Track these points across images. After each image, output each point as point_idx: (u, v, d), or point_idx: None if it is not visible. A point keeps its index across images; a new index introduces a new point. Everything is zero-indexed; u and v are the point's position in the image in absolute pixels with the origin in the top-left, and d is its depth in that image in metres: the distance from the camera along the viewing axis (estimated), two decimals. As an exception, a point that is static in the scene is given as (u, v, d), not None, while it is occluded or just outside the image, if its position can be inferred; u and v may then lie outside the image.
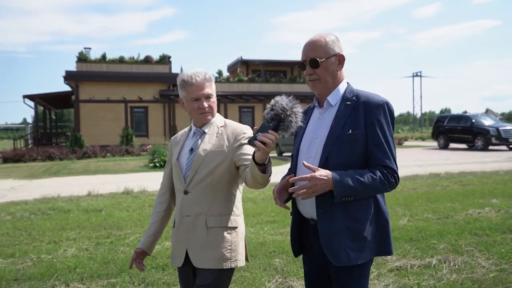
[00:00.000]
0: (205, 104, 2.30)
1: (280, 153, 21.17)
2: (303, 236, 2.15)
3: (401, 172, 9.20)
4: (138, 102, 29.32)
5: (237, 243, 2.30)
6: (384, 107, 1.98)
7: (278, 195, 2.04)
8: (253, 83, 32.51)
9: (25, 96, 29.34)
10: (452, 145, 24.22)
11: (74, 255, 5.03)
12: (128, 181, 11.84)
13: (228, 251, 2.25)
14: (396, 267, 4.25)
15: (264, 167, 1.98)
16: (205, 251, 2.23)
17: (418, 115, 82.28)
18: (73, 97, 28.24)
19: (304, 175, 1.90)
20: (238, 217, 2.34)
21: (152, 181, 11.48)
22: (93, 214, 7.43)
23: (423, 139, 36.46)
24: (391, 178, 1.95)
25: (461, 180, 10.34)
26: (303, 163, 1.91)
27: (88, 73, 28.38)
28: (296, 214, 2.14)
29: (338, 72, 2.07)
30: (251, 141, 1.88)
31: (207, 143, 2.31)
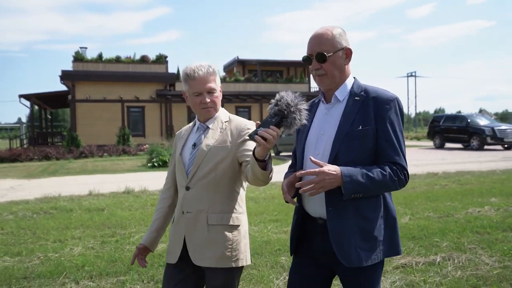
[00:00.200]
0: (207, 99, 2.25)
1: (277, 153, 21.23)
2: (306, 235, 2.08)
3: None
4: (134, 101, 29.29)
5: (239, 241, 2.23)
6: (394, 103, 1.93)
7: (288, 189, 1.97)
8: (249, 83, 32.57)
9: (21, 96, 29.26)
10: (447, 144, 24.39)
11: (81, 254, 5.06)
12: (128, 180, 11.85)
13: (229, 250, 2.19)
14: (401, 265, 4.31)
15: (264, 164, 1.91)
16: (206, 249, 2.19)
17: (413, 115, 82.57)
18: (70, 97, 28.17)
19: (312, 170, 1.83)
20: (240, 215, 2.28)
21: (152, 181, 11.52)
22: (96, 213, 7.46)
23: (418, 138, 36.61)
24: (401, 175, 1.90)
25: (459, 179, 10.44)
26: (310, 158, 1.84)
27: (84, 73, 28.32)
28: (300, 212, 2.07)
29: (346, 66, 2.00)
30: (251, 136, 1.82)
31: (211, 139, 2.26)
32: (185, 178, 2.26)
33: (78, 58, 28.67)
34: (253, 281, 4.08)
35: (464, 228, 5.70)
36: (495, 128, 21.16)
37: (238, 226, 2.25)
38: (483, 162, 15.12)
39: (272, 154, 21.22)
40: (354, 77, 2.04)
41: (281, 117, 1.80)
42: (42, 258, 4.93)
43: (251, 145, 2.17)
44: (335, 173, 1.80)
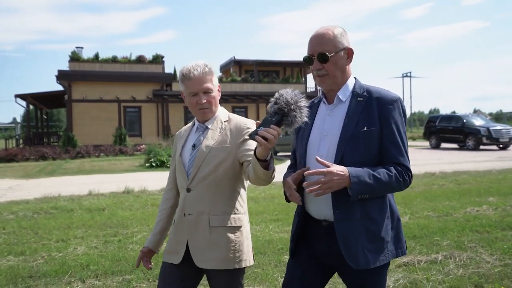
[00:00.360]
0: (203, 100, 2.20)
1: (275, 153, 21.28)
2: (307, 238, 2.06)
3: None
4: (131, 102, 29.23)
5: (241, 242, 2.21)
6: (398, 103, 1.92)
7: (292, 191, 1.93)
8: (246, 83, 32.58)
9: (17, 96, 29.13)
10: (443, 144, 24.55)
11: (84, 253, 5.08)
12: (126, 180, 11.86)
13: (232, 251, 2.17)
14: (404, 263, 4.37)
15: (266, 163, 1.88)
16: (208, 251, 2.16)
17: (408, 115, 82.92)
18: (66, 97, 28.09)
19: (320, 169, 1.80)
20: (242, 216, 2.25)
21: (151, 181, 11.54)
22: (97, 213, 7.47)
23: (413, 139, 36.75)
24: (405, 176, 1.90)
25: (456, 179, 10.54)
26: (317, 159, 1.81)
27: (81, 73, 28.23)
28: (302, 214, 2.05)
29: (347, 66, 1.98)
30: (252, 136, 1.78)
31: (210, 139, 2.22)
32: (186, 180, 2.23)
33: (75, 58, 28.57)
34: (258, 280, 4.13)
35: (463, 227, 5.77)
36: (491, 128, 21.34)
37: (240, 227, 2.22)
38: (479, 162, 15.24)
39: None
40: (355, 78, 2.03)
41: (282, 116, 1.78)
42: (46, 257, 4.96)
43: (252, 144, 2.13)
44: (342, 173, 1.78)
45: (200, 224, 2.18)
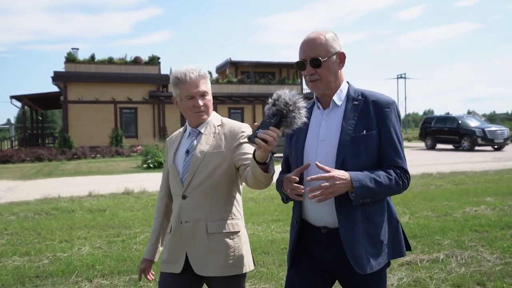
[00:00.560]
0: (200, 103, 2.18)
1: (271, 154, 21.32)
2: (305, 246, 2.04)
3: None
4: (127, 103, 29.23)
5: (240, 248, 2.18)
6: (393, 106, 1.92)
7: (293, 184, 1.87)
8: (242, 84, 32.67)
9: (12, 97, 29.06)
10: (439, 145, 24.72)
11: (89, 253, 5.12)
12: (125, 181, 11.88)
13: (231, 257, 2.14)
14: (406, 262, 4.44)
15: (266, 166, 1.85)
16: (207, 258, 2.12)
17: (402, 116, 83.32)
18: (62, 98, 28.03)
19: (322, 175, 1.77)
20: (239, 221, 2.23)
21: (150, 182, 11.56)
22: (98, 214, 7.50)
23: (409, 140, 36.94)
24: (404, 179, 1.90)
25: (454, 180, 10.64)
26: (317, 164, 1.79)
27: (76, 74, 28.20)
28: (300, 221, 2.01)
29: (340, 71, 1.97)
30: (251, 139, 1.74)
31: (204, 144, 2.19)
32: (181, 187, 2.18)
33: (70, 59, 28.52)
34: (263, 278, 4.18)
35: (463, 226, 5.85)
36: (486, 129, 21.54)
37: (238, 232, 2.19)
38: (474, 162, 15.38)
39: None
40: (347, 82, 2.03)
41: (280, 117, 1.75)
42: (51, 257, 4.99)
43: (247, 148, 2.13)
44: (344, 178, 1.77)
45: (197, 231, 2.15)
